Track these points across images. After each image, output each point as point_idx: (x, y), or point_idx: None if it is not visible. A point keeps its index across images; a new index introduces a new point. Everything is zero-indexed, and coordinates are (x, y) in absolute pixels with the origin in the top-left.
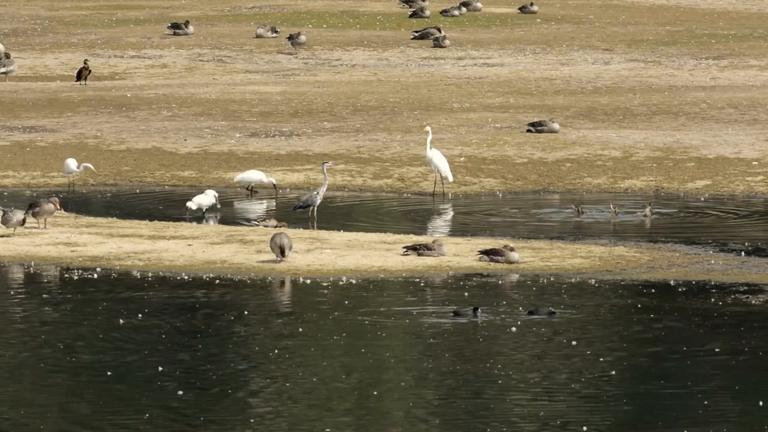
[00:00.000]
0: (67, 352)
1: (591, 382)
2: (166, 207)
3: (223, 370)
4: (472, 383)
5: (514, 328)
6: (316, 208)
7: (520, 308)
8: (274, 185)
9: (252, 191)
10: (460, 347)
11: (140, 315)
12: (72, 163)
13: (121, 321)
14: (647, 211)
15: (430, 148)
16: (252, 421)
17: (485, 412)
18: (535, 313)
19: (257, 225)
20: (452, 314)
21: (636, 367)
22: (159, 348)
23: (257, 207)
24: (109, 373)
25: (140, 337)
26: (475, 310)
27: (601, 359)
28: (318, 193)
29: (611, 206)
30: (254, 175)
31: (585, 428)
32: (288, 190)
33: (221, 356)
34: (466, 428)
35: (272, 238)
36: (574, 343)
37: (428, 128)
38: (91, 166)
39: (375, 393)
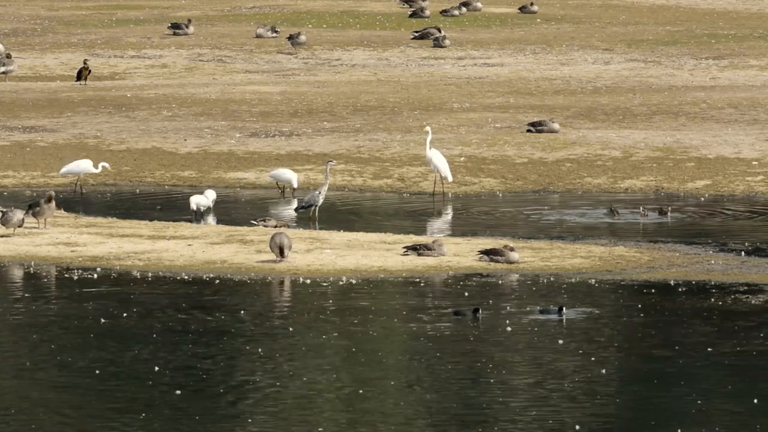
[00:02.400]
0: (65, 352)
1: (586, 382)
2: (165, 207)
3: (221, 370)
4: (467, 383)
5: (509, 328)
6: (317, 208)
7: (509, 307)
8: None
9: (284, 191)
10: (457, 347)
11: (138, 315)
12: (86, 164)
13: (118, 321)
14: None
15: (430, 148)
16: (249, 420)
17: (478, 412)
18: (461, 314)
19: (257, 225)
20: (453, 314)
21: (633, 367)
22: (157, 348)
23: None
24: (97, 372)
25: (138, 337)
26: (476, 310)
27: (599, 359)
28: (320, 192)
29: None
30: (284, 174)
31: (578, 427)
32: (288, 190)
33: (220, 356)
34: (459, 428)
35: (272, 238)
36: (571, 343)
37: (428, 128)
38: (108, 165)
39: (372, 393)
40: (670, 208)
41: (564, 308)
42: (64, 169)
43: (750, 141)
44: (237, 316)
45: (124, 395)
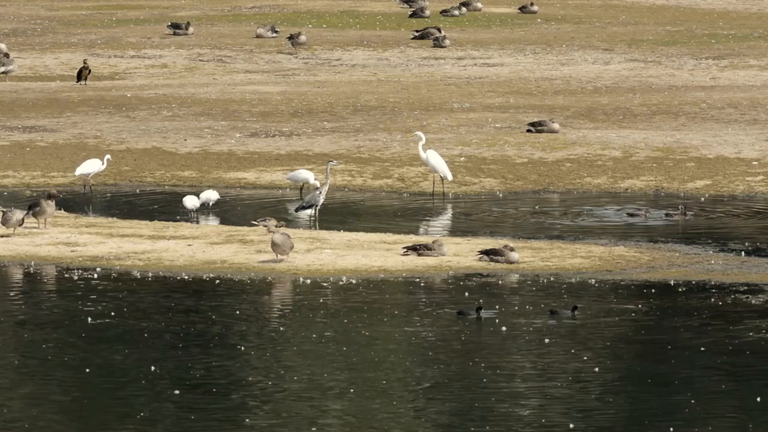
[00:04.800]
0: (63, 352)
1: (581, 381)
2: (166, 207)
3: (219, 370)
4: (463, 383)
5: (504, 327)
6: (318, 208)
7: (500, 306)
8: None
9: (302, 190)
10: (455, 347)
11: (136, 315)
12: (98, 163)
13: (116, 321)
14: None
15: (424, 150)
16: (247, 421)
17: (472, 412)
18: (464, 314)
19: (257, 225)
20: (457, 314)
21: (627, 367)
22: (155, 348)
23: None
24: (87, 371)
25: (136, 337)
26: (479, 309)
27: (595, 359)
28: (321, 192)
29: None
30: (302, 175)
31: (572, 426)
32: (288, 190)
33: (219, 356)
34: (453, 427)
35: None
36: (568, 342)
37: (418, 133)
38: (110, 157)
39: (370, 393)
40: (681, 207)
41: (578, 307)
42: (79, 171)
43: (750, 141)
44: (236, 316)
45: (120, 395)
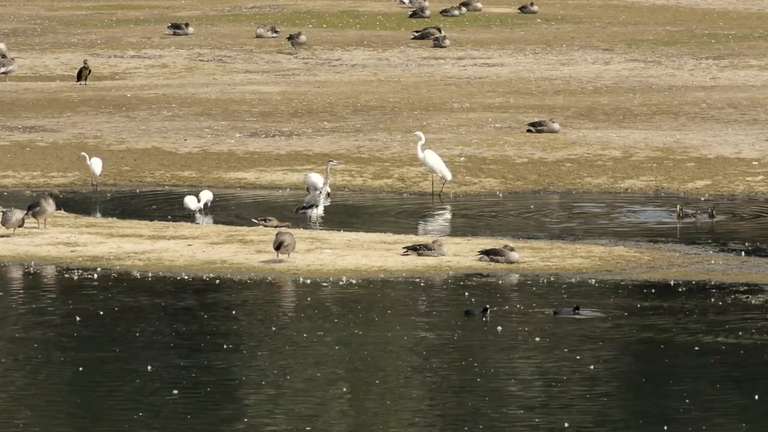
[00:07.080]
0: (62, 351)
1: (577, 381)
2: (166, 207)
3: (218, 370)
4: (459, 383)
5: (500, 327)
6: (318, 208)
7: (487, 306)
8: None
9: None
10: (453, 347)
11: (137, 315)
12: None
13: (115, 321)
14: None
15: (422, 150)
16: (246, 420)
17: (467, 411)
18: (471, 314)
19: (257, 225)
20: (464, 313)
21: (623, 366)
22: (154, 347)
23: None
24: (81, 370)
25: (135, 337)
26: (485, 310)
27: (592, 358)
28: (321, 193)
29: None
30: (311, 179)
31: (567, 425)
32: (288, 190)
33: (218, 356)
34: (449, 428)
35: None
36: (566, 342)
37: (418, 132)
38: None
39: (370, 394)
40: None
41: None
42: (98, 170)
43: (750, 141)
44: (236, 316)
45: (117, 395)
